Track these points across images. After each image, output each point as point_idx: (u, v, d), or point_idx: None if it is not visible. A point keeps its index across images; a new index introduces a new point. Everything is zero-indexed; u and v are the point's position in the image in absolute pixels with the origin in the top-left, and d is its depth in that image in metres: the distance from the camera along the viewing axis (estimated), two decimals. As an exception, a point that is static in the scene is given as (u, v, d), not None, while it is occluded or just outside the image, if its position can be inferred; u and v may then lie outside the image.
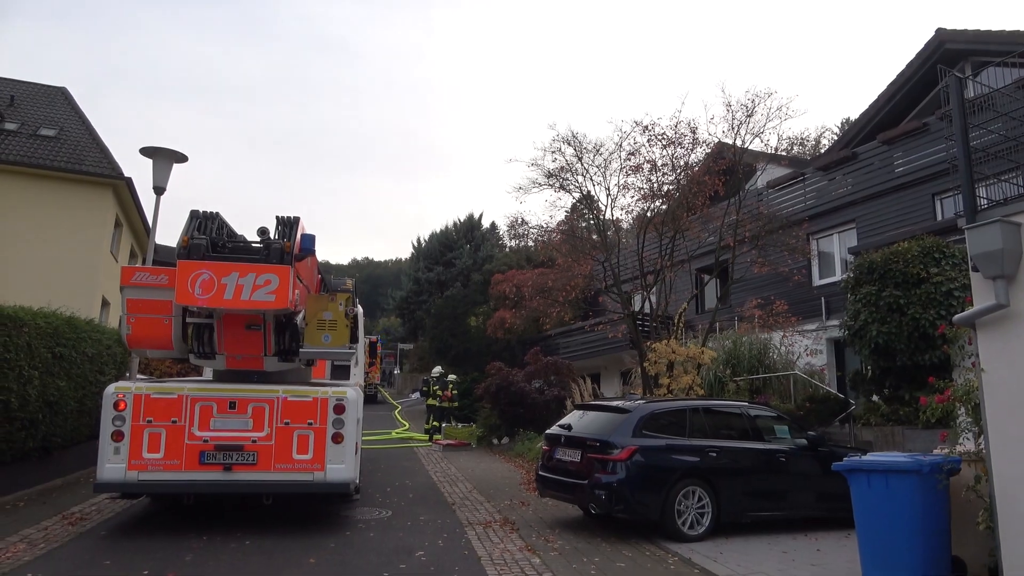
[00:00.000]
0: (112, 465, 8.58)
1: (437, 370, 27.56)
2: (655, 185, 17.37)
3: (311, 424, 9.00)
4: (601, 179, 18.05)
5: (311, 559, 7.74)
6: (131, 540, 8.46)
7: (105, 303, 23.69)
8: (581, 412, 10.55)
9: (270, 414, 8.95)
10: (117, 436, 8.63)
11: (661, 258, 17.81)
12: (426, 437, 23.18)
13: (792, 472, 9.87)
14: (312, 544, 8.41)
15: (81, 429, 12.78)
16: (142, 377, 14.67)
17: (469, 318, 35.49)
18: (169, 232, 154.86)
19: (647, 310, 19.43)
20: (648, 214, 17.85)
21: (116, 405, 8.68)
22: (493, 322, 28.49)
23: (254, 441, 8.85)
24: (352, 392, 9.36)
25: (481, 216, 51.67)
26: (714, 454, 9.39)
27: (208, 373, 11.36)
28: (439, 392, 25.28)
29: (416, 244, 53.70)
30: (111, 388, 8.81)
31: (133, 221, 26.28)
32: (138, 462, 8.61)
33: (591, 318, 27.30)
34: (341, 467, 8.96)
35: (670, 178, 17.39)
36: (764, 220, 18.17)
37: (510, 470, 15.88)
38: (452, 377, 26.22)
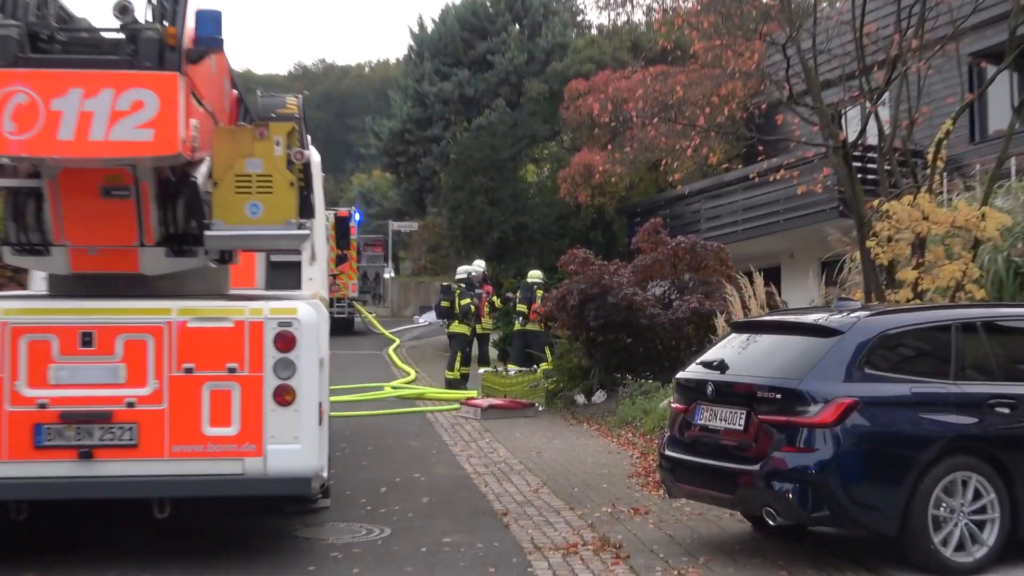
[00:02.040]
0: None
1: (475, 267, 27.65)
2: None
3: (234, 371, 9.22)
4: None
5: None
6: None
7: None
8: (745, 337, 10.58)
9: (157, 354, 9.17)
10: None
11: (899, 35, 17.26)
12: (451, 394, 23.63)
13: None
14: (248, 588, 8.78)
15: None
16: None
17: (523, 167, 35.50)
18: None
19: (871, 139, 19.04)
20: (873, -54, 17.24)
21: None
22: (570, 173, 28.42)
23: (131, 404, 9.10)
24: (308, 310, 9.53)
25: (539, -29, 50.60)
26: (1007, 410, 9.35)
27: (40, 281, 11.64)
28: (521, 308, 25.39)
29: (417, 31, 53.43)
30: None
31: None
32: (-79, 446, 8.98)
33: (761, 158, 26.92)
34: (293, 449, 9.21)
35: None
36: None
37: (608, 450, 16.16)
38: (536, 274, 26.55)
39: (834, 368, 9.24)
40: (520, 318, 26.02)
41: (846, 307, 10.60)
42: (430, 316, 41.28)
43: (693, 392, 10.23)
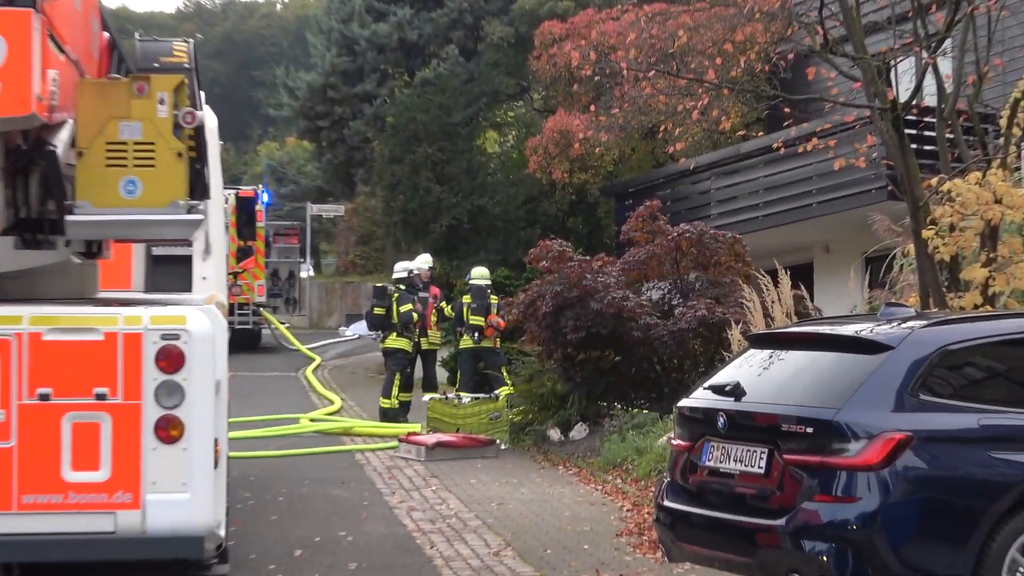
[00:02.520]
0: None
1: (418, 264, 27.55)
2: None
3: (104, 398, 9.18)
4: None
5: None
6: None
7: None
8: (767, 354, 10.61)
9: (3, 376, 9.11)
10: None
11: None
12: (386, 429, 23.57)
13: None
14: None
15: None
16: None
17: (482, 134, 35.52)
18: None
19: (928, 100, 19.17)
20: None
21: None
22: (542, 141, 28.41)
23: (-31, 442, 9.07)
24: (200, 319, 9.53)
25: None
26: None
27: None
28: (476, 320, 25.25)
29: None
30: None
31: None
32: None
33: (788, 123, 27.00)
34: (180, 499, 9.18)
35: None
36: None
37: (591, 500, 16.22)
38: (483, 274, 26.46)
39: (881, 394, 9.25)
40: (475, 333, 25.69)
41: (896, 315, 10.58)
42: (360, 327, 41.29)
43: (700, 425, 10.22)
